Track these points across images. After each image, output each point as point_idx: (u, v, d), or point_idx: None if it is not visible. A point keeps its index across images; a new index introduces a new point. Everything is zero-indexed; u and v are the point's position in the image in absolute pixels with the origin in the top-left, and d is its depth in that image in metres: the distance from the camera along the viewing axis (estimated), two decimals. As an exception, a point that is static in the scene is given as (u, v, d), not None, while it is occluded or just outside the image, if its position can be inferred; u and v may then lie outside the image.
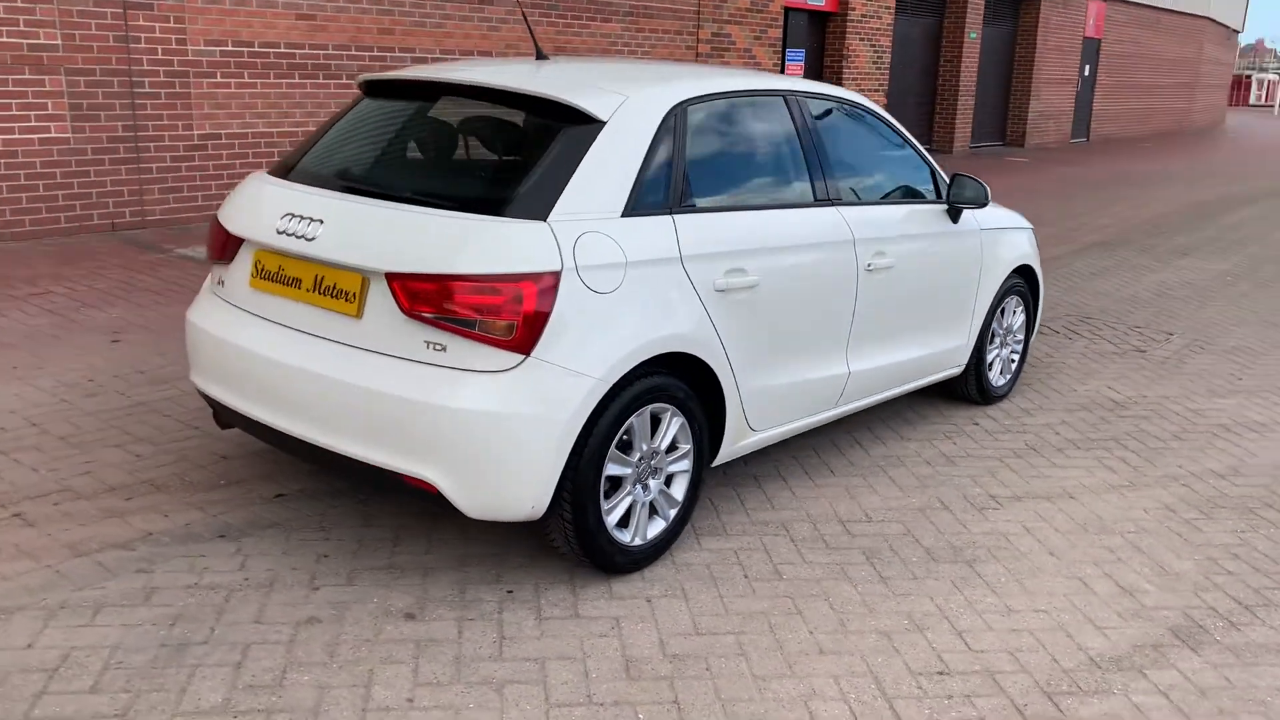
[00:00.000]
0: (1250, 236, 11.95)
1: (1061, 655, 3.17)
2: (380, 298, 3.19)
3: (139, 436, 4.47)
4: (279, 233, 3.41)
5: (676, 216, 3.53)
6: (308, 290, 3.37)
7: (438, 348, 3.11)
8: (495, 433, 3.06)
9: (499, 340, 3.05)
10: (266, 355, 3.42)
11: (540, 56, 4.05)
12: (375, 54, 10.30)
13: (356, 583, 3.39)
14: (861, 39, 16.89)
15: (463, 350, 3.08)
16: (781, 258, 3.87)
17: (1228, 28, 35.94)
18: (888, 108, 18.19)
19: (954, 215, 4.86)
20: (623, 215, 3.35)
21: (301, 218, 3.38)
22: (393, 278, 3.13)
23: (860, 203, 4.36)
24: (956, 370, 5.15)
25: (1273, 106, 56.67)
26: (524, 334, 3.06)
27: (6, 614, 3.10)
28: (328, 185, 3.51)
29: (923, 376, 4.90)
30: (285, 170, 3.79)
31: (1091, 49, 24.72)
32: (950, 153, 19.98)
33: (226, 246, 3.69)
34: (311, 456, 3.46)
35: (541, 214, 3.18)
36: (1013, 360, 5.61)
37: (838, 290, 4.15)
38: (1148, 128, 29.25)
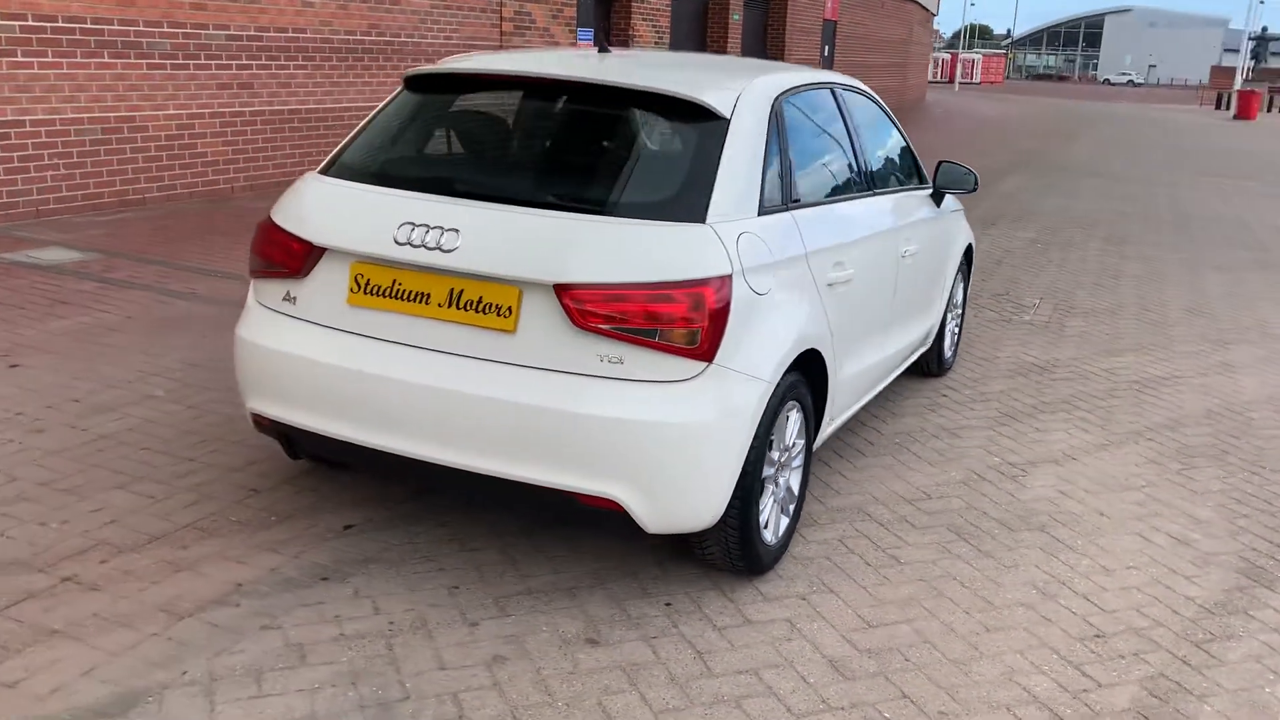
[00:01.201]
0: (1030, 207, 13.20)
1: (1177, 606, 3.48)
2: (539, 310, 3.00)
3: (133, 475, 3.95)
4: (399, 244, 3.12)
5: (794, 213, 3.53)
6: (440, 306, 3.11)
7: (613, 360, 2.97)
8: (686, 444, 2.97)
9: (681, 349, 2.96)
10: (389, 377, 3.13)
11: (603, 49, 3.89)
12: (189, 31, 9.42)
13: (510, 612, 3.18)
14: (644, 18, 17.14)
15: (642, 361, 2.96)
16: (863, 249, 3.95)
17: (927, 10, 39.20)
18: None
19: (937, 199, 5.12)
20: (758, 214, 3.32)
21: (429, 227, 3.10)
22: (562, 289, 2.95)
23: (889, 190, 4.52)
24: (927, 346, 5.44)
25: (962, 83, 62.44)
26: (707, 341, 2.98)
27: (156, 695, 2.70)
28: (445, 191, 3.24)
29: (913, 355, 5.15)
30: (366, 174, 3.45)
31: (830, 30, 26.27)
32: (720, 130, 20.67)
33: (304, 259, 3.33)
34: (441, 481, 3.23)
35: (700, 217, 3.10)
36: (955, 333, 5.98)
37: (886, 278, 4.29)
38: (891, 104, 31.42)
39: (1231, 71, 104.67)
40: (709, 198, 3.14)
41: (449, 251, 3.06)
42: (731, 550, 3.28)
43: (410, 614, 3.15)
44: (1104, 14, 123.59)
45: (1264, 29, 61.68)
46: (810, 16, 24.65)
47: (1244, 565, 3.80)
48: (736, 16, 20.56)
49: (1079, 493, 4.35)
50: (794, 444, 3.53)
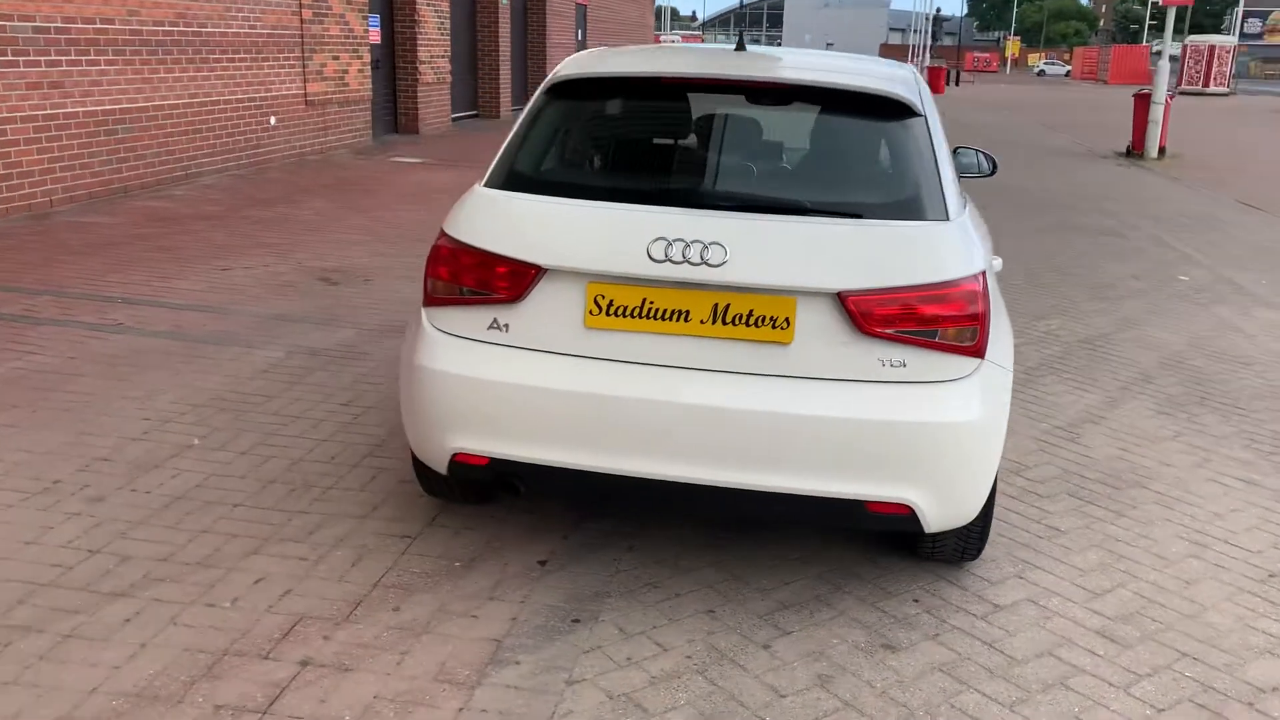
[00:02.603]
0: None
1: (1301, 539, 3.90)
2: (816, 319, 2.95)
3: (257, 536, 3.51)
4: (656, 261, 2.96)
5: (969, 204, 3.62)
6: (703, 322, 2.98)
7: (896, 364, 2.96)
8: (972, 441, 3.02)
9: (960, 347, 3.00)
10: (652, 400, 2.97)
11: (740, 47, 3.80)
12: (-4, 24, 8.23)
13: (786, 628, 3.12)
14: (428, 4, 16.59)
15: (924, 363, 2.98)
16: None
17: None
18: (453, 74, 18.12)
19: None
20: (964, 208, 3.39)
21: (687, 242, 2.95)
22: (845, 296, 2.91)
23: None
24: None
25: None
26: (981, 338, 3.03)
27: None
28: (690, 203, 3.08)
29: None
30: (571, 187, 3.23)
31: (582, 14, 26.45)
32: (498, 117, 20.41)
33: (523, 283, 3.07)
34: (699, 503, 3.11)
35: (945, 214, 3.13)
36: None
37: None
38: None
39: (900, 49, 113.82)
40: (943, 195, 3.17)
41: (717, 266, 2.93)
42: (970, 540, 3.36)
43: (695, 645, 3.01)
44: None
45: (938, 10, 68.00)
46: (565, 1, 24.71)
47: (1316, 497, 4.30)
48: (505, 1, 20.31)
49: (1135, 448, 4.74)
50: None
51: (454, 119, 18.43)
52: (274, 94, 12.29)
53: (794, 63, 3.68)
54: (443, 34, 17.24)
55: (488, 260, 3.12)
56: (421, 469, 3.58)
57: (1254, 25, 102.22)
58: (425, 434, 3.26)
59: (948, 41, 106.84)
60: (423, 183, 11.71)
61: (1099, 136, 22.87)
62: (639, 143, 3.53)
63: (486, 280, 3.12)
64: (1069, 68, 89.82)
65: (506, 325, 3.12)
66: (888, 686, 2.86)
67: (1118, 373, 5.87)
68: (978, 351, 3.02)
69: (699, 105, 3.50)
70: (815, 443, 2.93)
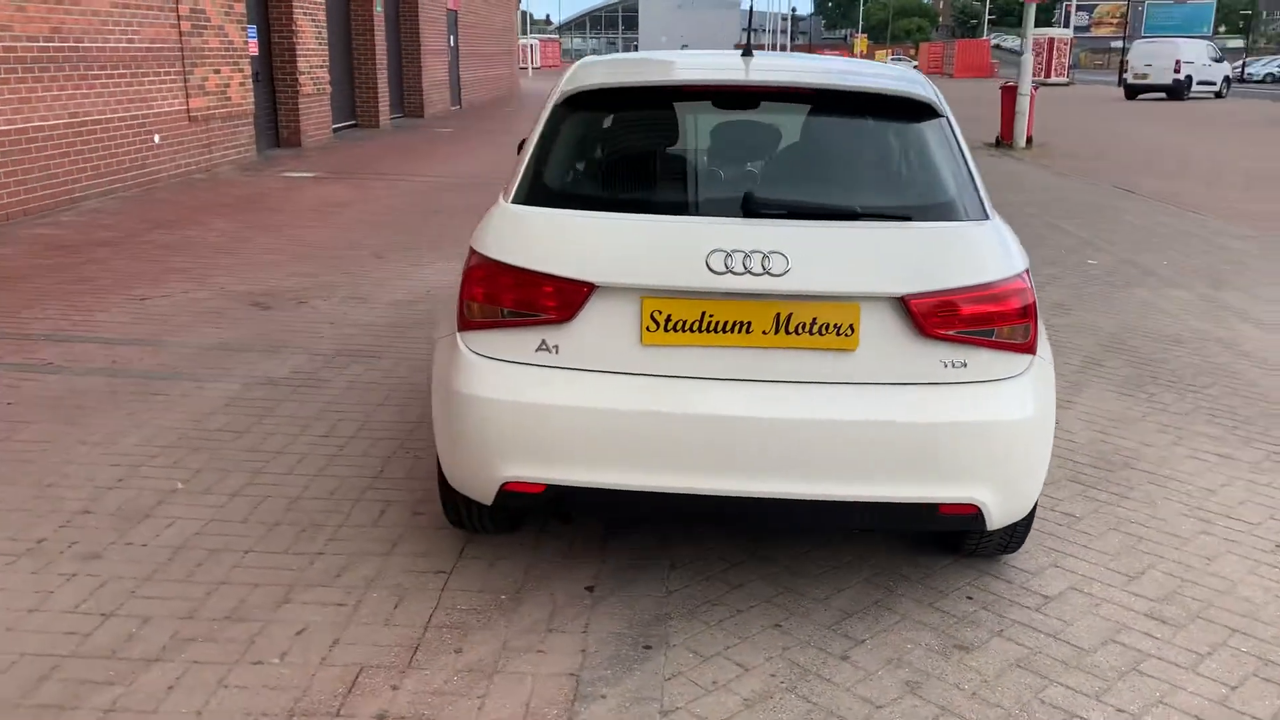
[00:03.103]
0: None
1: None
2: (878, 324, 2.93)
3: (282, 583, 3.31)
4: (716, 273, 2.89)
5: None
6: (765, 333, 2.93)
7: (957, 365, 2.97)
8: (1032, 437, 3.05)
9: (1016, 345, 3.02)
10: (717, 415, 2.91)
11: (747, 54, 3.75)
12: None
13: (856, 636, 3.09)
14: (305, 14, 16.06)
15: (984, 362, 2.99)
16: None
17: None
18: (333, 85, 17.60)
19: None
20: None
21: (746, 252, 2.90)
22: (909, 300, 2.91)
23: None
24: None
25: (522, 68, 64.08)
26: (1033, 334, 3.06)
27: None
28: (740, 212, 3.02)
29: None
30: (609, 201, 3.15)
31: (453, 20, 26.05)
32: (378, 127, 19.91)
33: (575, 302, 2.97)
34: (769, 518, 3.07)
35: (984, 214, 3.16)
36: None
37: None
38: (495, 92, 31.70)
39: (756, 48, 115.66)
40: (979, 194, 3.20)
41: (779, 275, 2.88)
42: (1016, 534, 3.40)
43: (775, 661, 2.96)
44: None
45: (794, 9, 69.67)
46: (437, 6, 24.30)
47: (1287, 465, 4.51)
48: (379, 8, 19.84)
49: (1112, 430, 4.89)
50: None
51: (334, 130, 17.90)
52: (156, 111, 11.69)
53: (805, 67, 3.67)
54: (321, 44, 16.72)
55: (533, 280, 2.99)
56: (452, 499, 3.43)
57: (1082, 18, 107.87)
58: (470, 464, 3.11)
59: (799, 40, 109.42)
60: (323, 198, 11.31)
61: (964, 128, 23.66)
62: (673, 152, 3.45)
63: (532, 301, 3.00)
64: (915, 63, 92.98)
65: (556, 346, 3.01)
66: (976, 688, 2.86)
67: (1068, 358, 6.06)
68: (1030, 348, 3.05)
69: (723, 112, 3.44)
70: (886, 449, 2.91)
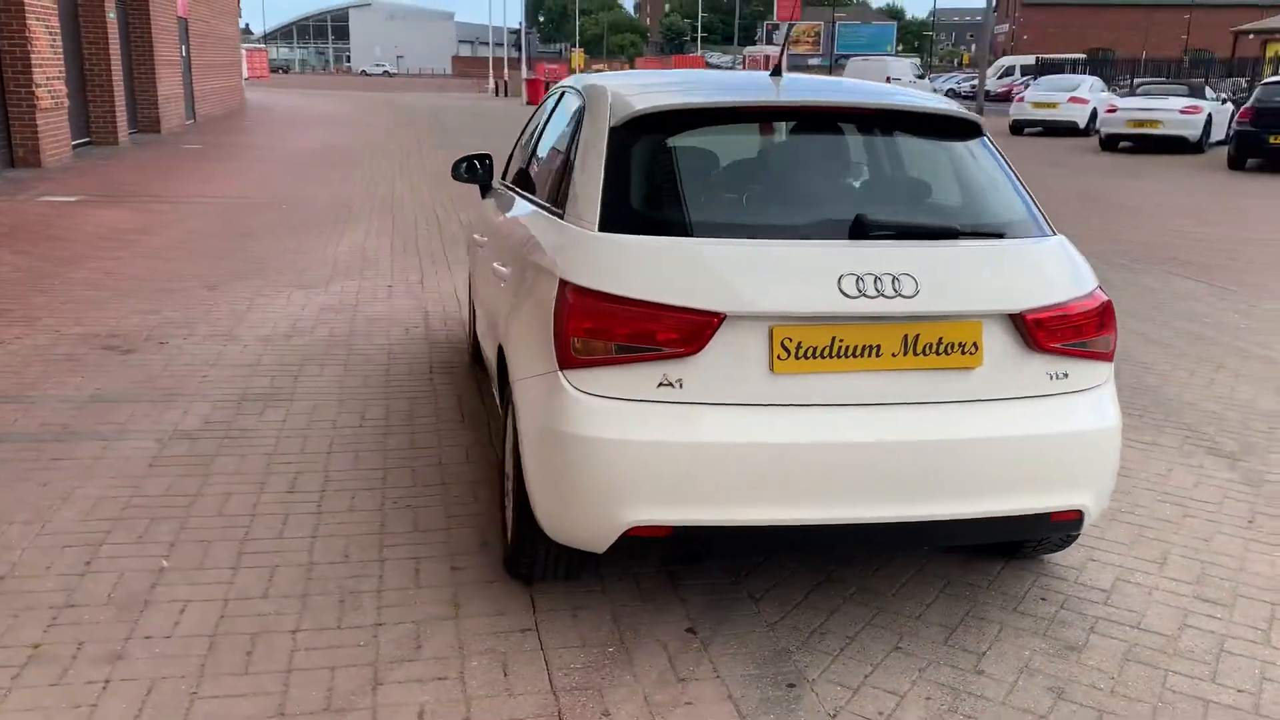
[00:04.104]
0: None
1: None
2: (996, 341, 3.00)
3: (354, 663, 2.96)
4: (849, 297, 2.85)
5: None
6: (894, 355, 2.92)
7: (1060, 376, 3.09)
8: (1119, 440, 3.21)
9: (1103, 354, 3.17)
10: (853, 442, 2.88)
11: (776, 72, 3.70)
12: None
13: (973, 647, 3.13)
14: (39, 19, 14.45)
15: (1081, 373, 3.12)
16: None
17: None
18: (72, 98, 15.92)
19: None
20: None
21: (876, 275, 2.88)
22: (1026, 315, 2.99)
23: None
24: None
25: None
26: (1114, 344, 3.22)
27: None
28: (849, 234, 2.99)
29: None
30: (711, 226, 3.03)
31: (184, 28, 24.27)
32: (117, 144, 18.23)
33: (703, 334, 2.84)
34: (898, 541, 3.07)
35: (1052, 229, 3.30)
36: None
37: None
38: (227, 105, 29.77)
39: (474, 60, 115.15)
40: (1039, 210, 3.33)
41: (910, 297, 2.89)
42: (1073, 534, 3.55)
43: (920, 684, 2.95)
44: (347, 7, 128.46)
45: (521, 23, 69.59)
46: (168, 14, 22.55)
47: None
48: (113, 14, 18.17)
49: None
50: None
51: (73, 147, 16.21)
52: (-112, 129, 10.14)
53: (846, 88, 3.68)
54: (56, 53, 15.10)
55: (653, 313, 2.84)
56: (531, 550, 3.19)
57: (780, 37, 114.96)
58: (585, 511, 2.91)
59: (514, 54, 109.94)
60: (108, 225, 10.21)
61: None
62: (762, 174, 3.36)
63: (652, 334, 2.84)
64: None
65: (680, 381, 2.86)
66: (1111, 686, 2.97)
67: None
68: (1111, 356, 3.21)
69: (788, 133, 3.40)
70: (1011, 463, 2.97)
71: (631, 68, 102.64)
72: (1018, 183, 3.36)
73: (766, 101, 3.36)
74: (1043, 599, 3.46)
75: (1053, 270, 3.10)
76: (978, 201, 3.29)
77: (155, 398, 5.15)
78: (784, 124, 3.37)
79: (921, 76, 39.88)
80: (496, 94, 56.31)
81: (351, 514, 3.92)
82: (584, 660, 3.01)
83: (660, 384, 2.86)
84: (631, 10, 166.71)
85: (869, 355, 2.90)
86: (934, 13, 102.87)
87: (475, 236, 4.70)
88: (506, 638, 3.11)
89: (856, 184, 3.40)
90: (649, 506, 2.86)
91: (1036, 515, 3.05)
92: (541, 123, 4.40)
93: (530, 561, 3.26)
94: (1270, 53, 53.83)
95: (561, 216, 3.28)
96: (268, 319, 6.76)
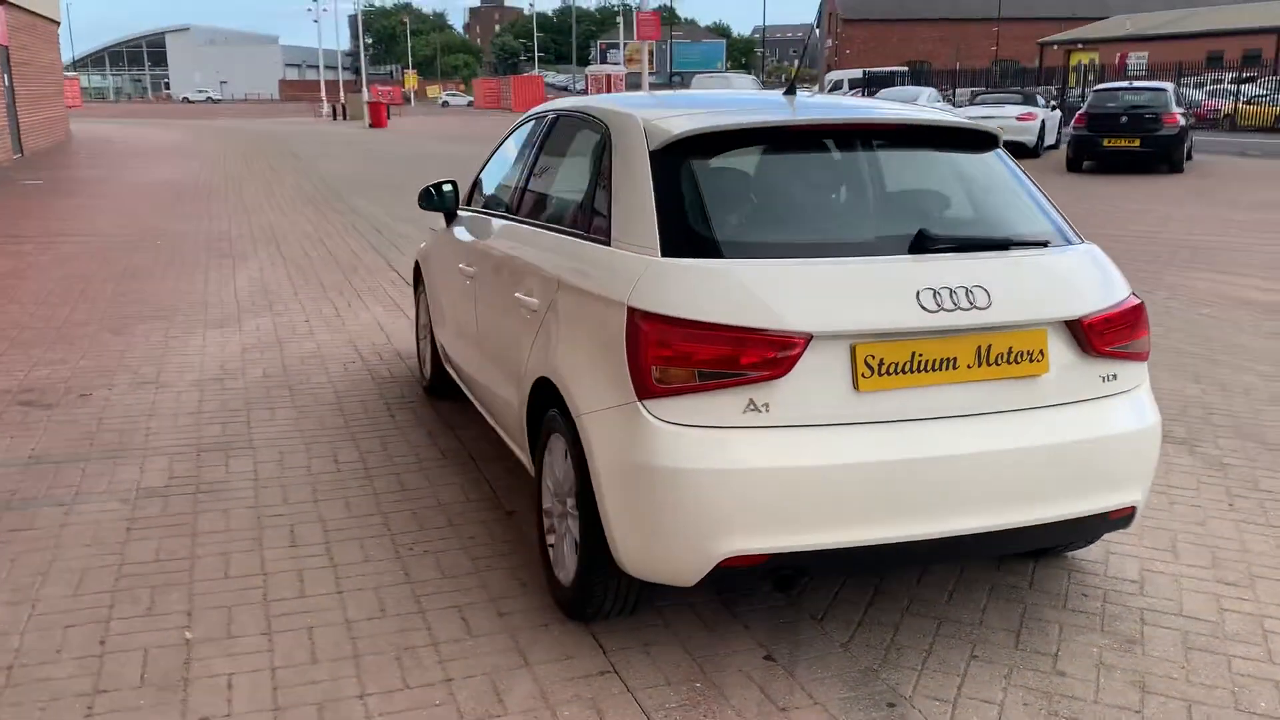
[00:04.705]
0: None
1: (1202, 473, 4.76)
2: (1058, 347, 3.06)
3: (482, 710, 2.80)
4: (929, 311, 2.87)
5: None
6: (969, 367, 2.95)
7: (1110, 378, 3.18)
8: (1160, 437, 3.32)
9: (1142, 355, 3.28)
10: (936, 457, 2.90)
11: (790, 90, 3.69)
12: None
13: (1045, 650, 3.19)
14: None
15: (1127, 373, 3.22)
16: None
17: (48, 19, 33.69)
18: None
19: None
20: None
21: (953, 288, 2.91)
22: (1085, 320, 3.07)
23: None
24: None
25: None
26: (1148, 344, 3.34)
27: None
28: (895, 250, 3.01)
29: None
30: (781, 247, 3.01)
31: (4, 56, 22.75)
32: (-55, 182, 16.94)
33: (793, 356, 2.81)
34: (972, 552, 3.10)
35: (1080, 236, 3.40)
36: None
37: None
38: (54, 136, 28.04)
39: (303, 84, 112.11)
40: (1065, 218, 3.43)
41: (985, 309, 2.93)
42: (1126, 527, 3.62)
43: (1012, 689, 2.99)
44: (164, 32, 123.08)
45: (358, 45, 67.94)
46: (-11, 42, 21.12)
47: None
48: (-67, 44, 16.88)
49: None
50: None
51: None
52: None
53: (865, 106, 3.72)
54: None
55: (739, 337, 2.79)
56: (601, 588, 3.09)
57: (615, 56, 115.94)
58: (674, 544, 2.84)
59: (349, 76, 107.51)
60: (-31, 269, 9.45)
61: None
62: (816, 192, 3.33)
63: (738, 359, 2.79)
64: (471, 98, 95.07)
65: (766, 405, 2.82)
66: (1186, 675, 3.07)
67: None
68: (1147, 356, 3.32)
69: (827, 150, 3.40)
70: (1081, 465, 3.04)
71: (466, 90, 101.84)
72: (1039, 192, 3.45)
73: (805, 120, 3.36)
74: (1085, 594, 3.55)
75: (1099, 275, 3.20)
76: (1015, 212, 3.36)
77: (102, 455, 4.78)
78: (825, 142, 3.37)
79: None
80: (335, 117, 54.91)
81: (368, 564, 3.72)
82: (676, 699, 2.92)
83: (746, 409, 2.81)
84: (461, 30, 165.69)
85: (946, 368, 2.92)
86: (762, 29, 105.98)
87: (462, 266, 4.53)
88: (588, 682, 2.99)
89: (903, 199, 3.43)
90: (743, 536, 2.80)
91: (1099, 515, 3.13)
92: (531, 148, 4.27)
93: (599, 601, 3.15)
94: (1073, 61, 57.57)
95: (606, 243, 3.20)
96: (191, 362, 6.37)
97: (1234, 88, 35.09)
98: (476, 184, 5.03)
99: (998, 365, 2.97)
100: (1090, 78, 39.78)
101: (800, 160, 3.36)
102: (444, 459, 4.78)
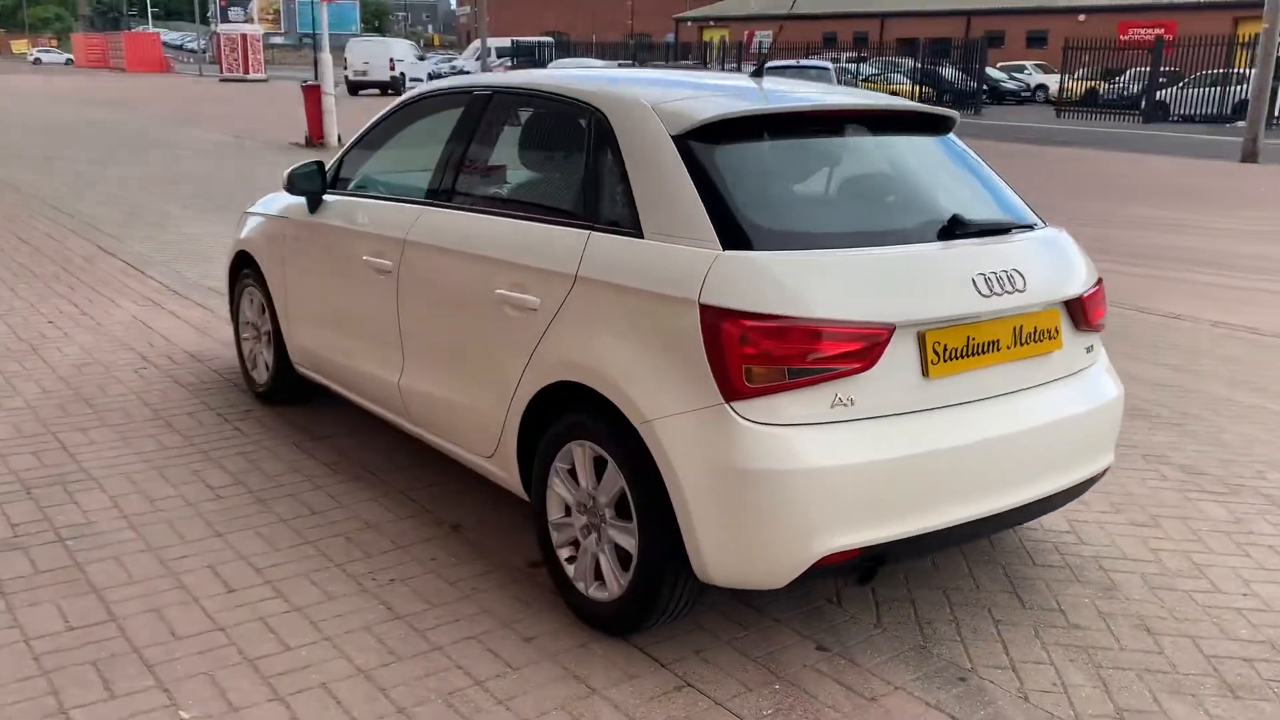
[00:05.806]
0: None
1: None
2: (1065, 324, 3.26)
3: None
4: (985, 296, 2.96)
5: None
6: (1008, 347, 3.09)
7: (1091, 350, 3.44)
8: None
9: (1102, 327, 3.57)
10: (991, 436, 3.02)
11: (758, 74, 3.58)
12: None
13: (1078, 624, 3.40)
14: None
15: (1097, 344, 3.49)
16: None
17: None
18: None
19: None
20: None
21: (997, 273, 3.01)
22: (1083, 297, 3.29)
23: None
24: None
25: None
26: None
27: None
28: (925, 237, 3.08)
29: None
30: (833, 237, 2.97)
31: None
32: None
33: (880, 348, 2.80)
34: (1013, 522, 3.25)
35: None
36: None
37: None
38: None
39: None
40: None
41: (1023, 291, 3.06)
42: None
43: (1071, 663, 3.08)
44: None
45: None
46: None
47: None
48: None
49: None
50: None
51: None
52: None
53: (843, 90, 3.71)
54: None
55: (831, 331, 2.73)
56: (650, 599, 2.95)
57: (237, 14, 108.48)
58: (771, 547, 2.76)
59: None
60: None
61: (251, 128, 22.87)
62: (846, 180, 3.25)
63: (828, 353, 2.74)
64: (70, 56, 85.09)
65: (851, 399, 2.79)
66: (1170, 611, 3.39)
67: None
68: (1103, 327, 3.61)
69: (841, 137, 3.36)
70: (1087, 432, 3.28)
71: (62, 46, 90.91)
72: (993, 174, 3.62)
73: (826, 105, 3.33)
74: (1039, 549, 3.83)
75: (1080, 254, 3.43)
76: (997, 196, 3.51)
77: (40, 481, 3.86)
78: (843, 128, 3.34)
79: (422, 58, 39.95)
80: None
81: (335, 602, 3.29)
82: (768, 704, 2.83)
83: (833, 404, 2.77)
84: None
85: (992, 350, 3.02)
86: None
87: (368, 259, 4.02)
88: (669, 700, 2.83)
89: (916, 183, 3.46)
90: (839, 532, 2.76)
91: (1094, 476, 3.38)
92: (465, 130, 3.83)
93: (660, 612, 2.98)
94: (707, 37, 61.04)
95: (634, 234, 3.01)
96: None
97: (853, 66, 38.75)
98: (342, 165, 4.54)
99: (1028, 344, 3.11)
100: (726, 56, 42.41)
101: (824, 146, 3.32)
102: (335, 473, 4.30)
